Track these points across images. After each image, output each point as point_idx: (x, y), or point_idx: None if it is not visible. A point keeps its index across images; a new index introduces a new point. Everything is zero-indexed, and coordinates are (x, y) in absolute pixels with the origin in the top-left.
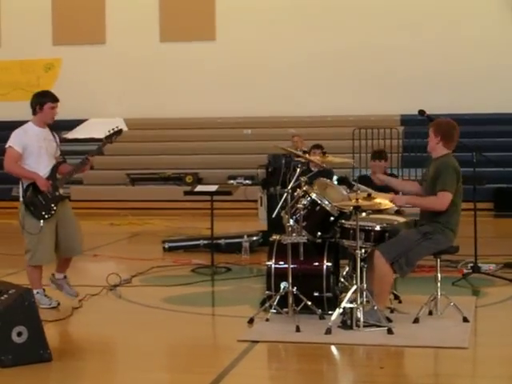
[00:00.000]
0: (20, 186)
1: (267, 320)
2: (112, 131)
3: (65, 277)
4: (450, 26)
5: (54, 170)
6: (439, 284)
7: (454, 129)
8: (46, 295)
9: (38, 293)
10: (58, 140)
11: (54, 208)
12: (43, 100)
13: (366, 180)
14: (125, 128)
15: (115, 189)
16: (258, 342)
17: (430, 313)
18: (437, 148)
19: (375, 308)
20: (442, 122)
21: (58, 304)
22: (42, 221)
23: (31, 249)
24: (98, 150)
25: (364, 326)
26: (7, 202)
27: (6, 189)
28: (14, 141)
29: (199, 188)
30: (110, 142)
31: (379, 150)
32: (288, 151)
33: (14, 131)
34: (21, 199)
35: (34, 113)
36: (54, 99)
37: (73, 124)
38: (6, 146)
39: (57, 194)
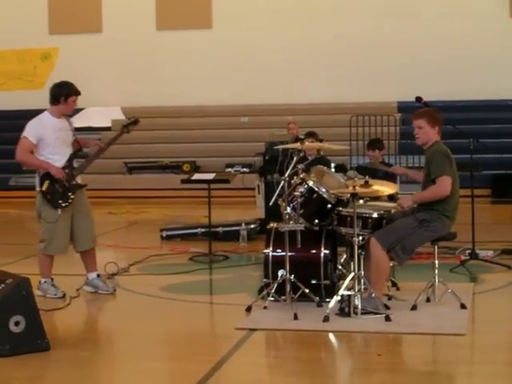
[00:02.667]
0: (36, 175)
1: (265, 308)
2: (129, 121)
3: (98, 275)
4: (446, 13)
5: (71, 159)
6: (437, 271)
7: (440, 114)
8: (53, 285)
9: (45, 282)
10: (73, 128)
11: (72, 196)
12: (69, 92)
13: (366, 168)
14: (122, 116)
15: (113, 177)
16: (255, 329)
17: (428, 300)
18: (432, 138)
19: (373, 295)
20: (432, 112)
21: (64, 295)
22: (59, 210)
23: (47, 238)
24: (114, 139)
25: (362, 314)
26: (5, 191)
27: (4, 178)
28: (30, 132)
29: (196, 176)
30: (127, 132)
31: (375, 140)
32: (285, 147)
33: (30, 121)
34: (37, 189)
35: (56, 102)
36: (78, 92)
37: (70, 113)
38: (21, 136)
39: (73, 182)
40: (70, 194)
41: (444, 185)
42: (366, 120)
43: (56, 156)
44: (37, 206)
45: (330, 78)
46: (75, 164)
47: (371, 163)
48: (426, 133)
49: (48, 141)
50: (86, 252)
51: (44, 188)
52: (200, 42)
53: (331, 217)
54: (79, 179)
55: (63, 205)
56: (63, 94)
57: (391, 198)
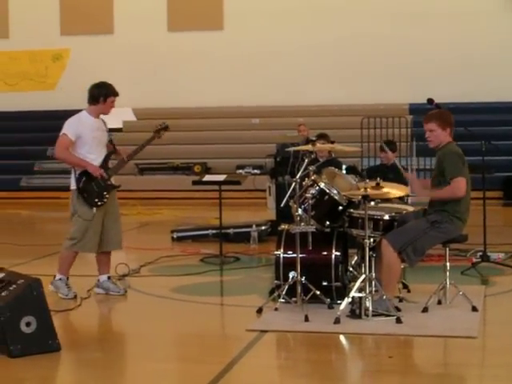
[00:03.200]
0: (72, 174)
1: (276, 309)
2: (159, 126)
3: (109, 277)
4: (458, 13)
5: (107, 159)
6: (448, 273)
7: (452, 116)
8: (67, 284)
9: (60, 279)
10: (108, 129)
11: (107, 196)
12: (108, 92)
13: (377, 170)
14: (133, 118)
15: (124, 178)
16: (266, 331)
17: (439, 302)
18: (443, 140)
19: (384, 297)
20: (443, 114)
21: (75, 296)
22: (94, 208)
23: (77, 236)
24: (146, 143)
25: (373, 316)
26: (16, 192)
27: (15, 179)
28: (69, 129)
29: (208, 178)
30: (159, 137)
31: (388, 141)
32: (297, 149)
33: (69, 119)
34: (73, 187)
35: (94, 103)
36: (117, 93)
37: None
38: (60, 133)
39: (109, 182)
40: (105, 193)
41: (459, 186)
42: (377, 122)
43: (92, 155)
44: (72, 204)
45: (342, 80)
46: (110, 165)
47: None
48: (438, 135)
49: (85, 139)
50: (105, 254)
51: (81, 186)
52: (211, 44)
53: (342, 219)
54: (113, 180)
55: (99, 204)
56: (102, 95)
57: (401, 199)
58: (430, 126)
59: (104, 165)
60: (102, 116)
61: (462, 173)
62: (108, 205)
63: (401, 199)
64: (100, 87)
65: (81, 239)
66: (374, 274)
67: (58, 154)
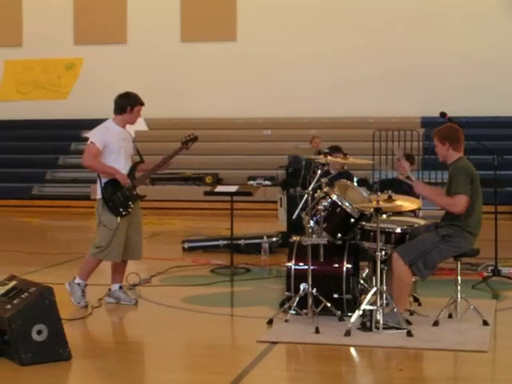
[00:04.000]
0: (98, 182)
1: (286, 321)
2: (188, 137)
3: (120, 287)
4: (472, 28)
5: (133, 169)
6: (459, 287)
7: (458, 130)
8: (83, 291)
9: (79, 284)
10: (134, 140)
11: (132, 206)
12: (135, 102)
13: (391, 183)
14: (145, 128)
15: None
16: (277, 342)
17: (450, 316)
18: (448, 155)
19: (395, 310)
20: (443, 129)
21: (86, 306)
22: (118, 217)
23: (103, 245)
24: (174, 154)
25: (383, 329)
26: (27, 200)
27: (27, 187)
28: (96, 137)
29: (219, 188)
30: (187, 148)
31: (408, 154)
32: (310, 158)
33: (95, 128)
34: (98, 196)
35: (121, 113)
36: (143, 103)
37: (93, 123)
38: (88, 142)
39: (134, 192)
40: (130, 203)
41: (460, 203)
42: (389, 135)
43: (118, 164)
44: (98, 212)
45: (354, 92)
46: (136, 175)
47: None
48: (439, 150)
49: (112, 148)
50: (122, 263)
51: (106, 195)
52: (224, 55)
53: (354, 231)
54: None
55: (123, 213)
56: (130, 104)
57: (413, 212)
58: (434, 141)
59: (130, 175)
60: (128, 127)
61: (465, 191)
62: (132, 215)
63: (413, 213)
64: (127, 97)
65: (106, 248)
66: (385, 287)
67: (86, 162)
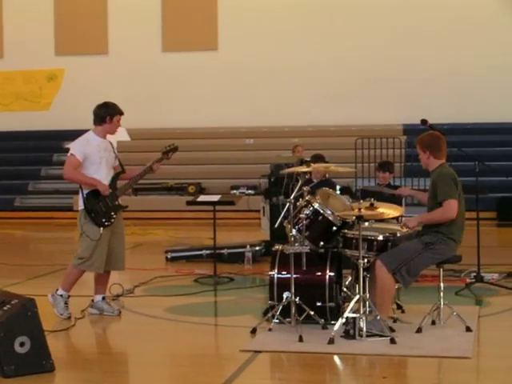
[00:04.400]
0: (80, 193)
1: (270, 330)
2: (168, 148)
3: (103, 298)
4: (452, 36)
5: (114, 180)
6: (442, 293)
7: (439, 138)
8: (66, 303)
9: (62, 295)
10: (116, 151)
11: (114, 216)
12: (114, 112)
13: (371, 191)
14: (127, 138)
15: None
16: (260, 351)
17: (433, 322)
18: (429, 163)
19: (378, 318)
20: (424, 137)
21: (69, 317)
22: (101, 228)
23: (86, 255)
24: (152, 166)
25: (367, 336)
26: (10, 212)
27: (9, 199)
28: (76, 149)
29: (202, 198)
30: (168, 158)
31: (385, 162)
32: (294, 169)
33: (75, 140)
34: (81, 207)
35: (100, 123)
36: (122, 112)
37: (76, 134)
38: (68, 154)
39: (116, 203)
40: (112, 213)
41: (450, 208)
42: (371, 142)
43: (99, 175)
44: (80, 223)
45: (336, 101)
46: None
47: (377, 186)
48: (421, 158)
49: (93, 159)
50: (104, 274)
51: (88, 206)
52: (206, 64)
53: (336, 239)
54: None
55: (106, 224)
56: (109, 114)
57: (396, 219)
58: (417, 148)
59: (112, 185)
60: (108, 137)
61: (453, 195)
62: (114, 225)
63: (396, 220)
64: (105, 107)
65: (88, 258)
66: (368, 295)
67: (66, 174)
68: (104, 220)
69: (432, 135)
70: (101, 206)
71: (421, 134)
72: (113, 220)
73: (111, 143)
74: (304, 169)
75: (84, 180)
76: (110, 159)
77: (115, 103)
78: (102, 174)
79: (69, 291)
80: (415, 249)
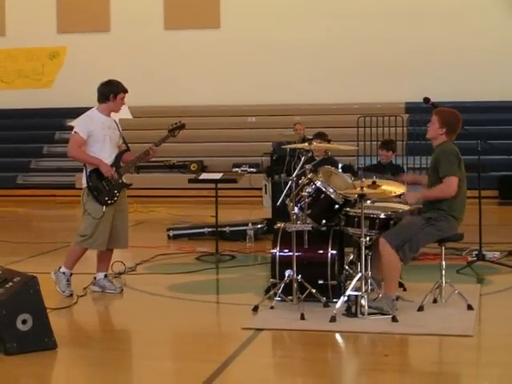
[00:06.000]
0: (84, 172)
1: (272, 308)
2: (175, 125)
3: (105, 276)
4: (454, 13)
5: (118, 158)
6: (444, 272)
7: (459, 121)
8: (68, 280)
9: (64, 273)
10: (120, 129)
11: (117, 195)
12: (118, 89)
13: (374, 169)
14: (129, 116)
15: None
16: (262, 329)
17: (435, 301)
18: (438, 137)
19: (380, 296)
20: (448, 112)
21: (71, 294)
22: (104, 206)
23: (88, 233)
24: (160, 142)
25: (368, 314)
26: (12, 190)
27: (12, 177)
28: (80, 127)
29: (204, 176)
30: (174, 136)
31: (389, 141)
32: (294, 146)
33: (79, 117)
34: (84, 185)
35: (104, 101)
36: (126, 90)
37: (78, 112)
38: (72, 131)
39: (120, 181)
40: (115, 191)
41: (451, 184)
42: (373, 121)
43: (104, 153)
44: (83, 201)
45: (338, 79)
46: (121, 163)
47: (379, 164)
48: (434, 130)
49: (97, 137)
50: (107, 251)
51: (92, 184)
52: (208, 42)
53: (338, 217)
54: (124, 178)
55: (109, 202)
56: (112, 92)
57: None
58: (433, 117)
59: (116, 163)
60: (112, 115)
61: (454, 172)
62: (118, 203)
63: (398, 197)
64: (110, 85)
65: (90, 236)
66: (370, 273)
67: (70, 153)
68: (107, 198)
69: (456, 114)
70: (104, 185)
71: (443, 107)
72: (116, 198)
73: (116, 121)
74: (305, 146)
75: (87, 159)
76: (114, 137)
77: (119, 81)
78: (106, 152)
79: (71, 269)
80: (417, 224)
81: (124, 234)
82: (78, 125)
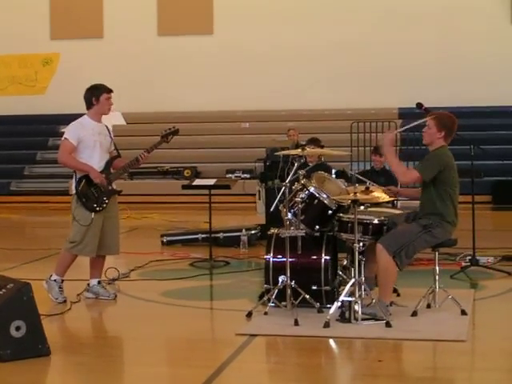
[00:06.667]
0: (73, 178)
1: (265, 313)
2: (169, 130)
3: (99, 282)
4: (447, 20)
5: (108, 164)
6: (437, 277)
7: (456, 123)
8: (60, 287)
9: (55, 280)
10: (112, 135)
11: (106, 201)
12: (98, 92)
13: (368, 174)
14: (123, 122)
15: (113, 183)
16: (256, 335)
17: (429, 306)
18: (436, 141)
19: (374, 301)
20: (446, 116)
21: (65, 301)
22: (93, 213)
23: (77, 240)
24: (152, 148)
25: (362, 320)
26: (5, 196)
27: (5, 183)
28: (70, 133)
29: (197, 182)
30: (167, 142)
31: (380, 146)
32: (286, 153)
33: (70, 124)
34: (73, 191)
35: (90, 106)
36: (109, 90)
37: (71, 118)
38: (62, 138)
39: (109, 188)
40: (104, 198)
41: (409, 174)
42: (367, 126)
43: (94, 159)
44: (72, 207)
45: (332, 84)
46: (112, 170)
47: (371, 169)
48: (431, 134)
49: (87, 143)
50: (99, 258)
51: (80, 190)
52: (201, 48)
53: (332, 223)
54: (114, 185)
55: (97, 209)
56: (94, 95)
57: (393, 205)
58: (429, 122)
59: (106, 170)
60: (103, 121)
61: (423, 172)
62: (108, 209)
63: (391, 203)
64: (91, 89)
65: (80, 242)
66: (363, 278)
67: (60, 159)
68: (95, 205)
69: (452, 118)
70: (93, 191)
71: (439, 111)
72: (105, 205)
73: (107, 127)
74: (298, 152)
75: (77, 165)
76: (104, 143)
77: (102, 83)
78: (96, 158)
79: (63, 276)
80: (414, 231)
81: (115, 241)
82: (68, 131)
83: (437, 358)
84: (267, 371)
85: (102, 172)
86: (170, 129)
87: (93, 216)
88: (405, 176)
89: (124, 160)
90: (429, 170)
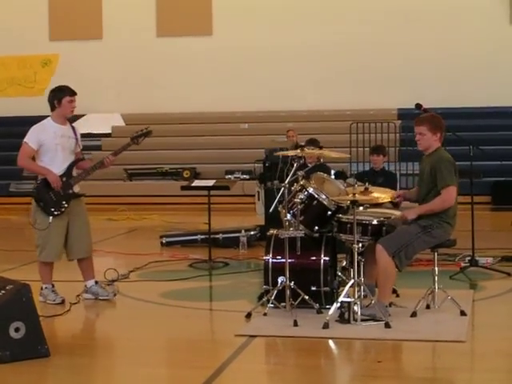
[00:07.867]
0: (35, 181)
1: (265, 314)
2: (140, 132)
3: (96, 282)
4: (447, 20)
5: (71, 167)
6: (437, 278)
7: (442, 121)
8: (53, 291)
9: (46, 288)
10: (78, 136)
11: (65, 205)
12: (61, 94)
13: (367, 175)
14: (121, 123)
15: (113, 184)
16: (255, 336)
17: (428, 306)
18: (432, 145)
19: (373, 302)
20: (433, 117)
21: (63, 301)
22: (50, 217)
23: (40, 244)
24: (120, 150)
25: (361, 320)
26: (4, 197)
27: (4, 184)
28: (30, 137)
29: (196, 183)
30: (137, 143)
31: (378, 146)
32: (286, 153)
33: (32, 126)
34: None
35: (53, 108)
36: (72, 92)
37: (69, 119)
38: (23, 141)
39: (70, 191)
40: (63, 202)
41: (450, 195)
42: (365, 127)
43: (55, 163)
44: (31, 211)
45: (330, 85)
46: (74, 173)
47: (371, 170)
48: (427, 139)
49: (48, 146)
50: (82, 260)
51: (38, 194)
52: (200, 49)
53: (331, 224)
54: (77, 188)
55: (55, 213)
56: (56, 98)
57: (395, 204)
58: (420, 129)
59: (67, 172)
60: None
61: (453, 181)
62: (72, 212)
63: (394, 204)
64: (53, 92)
65: (43, 248)
66: (362, 279)
67: (18, 162)
68: (53, 209)
69: (438, 117)
70: (51, 195)
71: (423, 115)
72: (63, 209)
73: (74, 128)
74: (297, 153)
75: (35, 169)
76: (67, 146)
77: (66, 86)
78: (57, 162)
79: (50, 282)
80: (413, 232)
81: (83, 243)
82: (28, 135)
83: (436, 358)
84: (266, 372)
85: (61, 176)
86: (142, 130)
87: (50, 220)
88: (445, 201)
89: (89, 162)
90: (452, 175)
